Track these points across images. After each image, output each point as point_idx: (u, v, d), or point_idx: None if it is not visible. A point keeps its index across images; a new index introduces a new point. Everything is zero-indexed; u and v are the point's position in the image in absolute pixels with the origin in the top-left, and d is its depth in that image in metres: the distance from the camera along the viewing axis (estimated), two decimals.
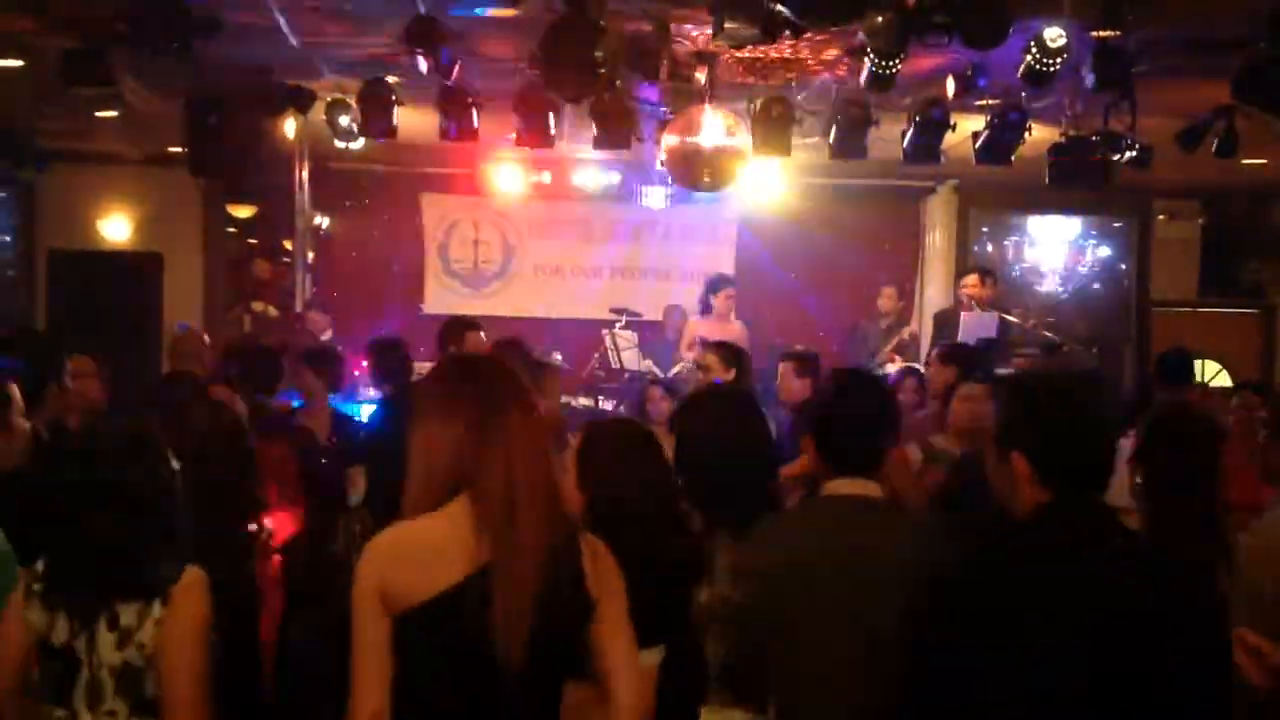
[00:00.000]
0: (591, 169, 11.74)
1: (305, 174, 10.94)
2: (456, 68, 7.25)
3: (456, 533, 2.41)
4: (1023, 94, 7.76)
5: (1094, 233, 13.40)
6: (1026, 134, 8.19)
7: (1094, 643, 2.26)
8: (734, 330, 9.64)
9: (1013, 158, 8.47)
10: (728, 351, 6.27)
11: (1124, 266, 13.40)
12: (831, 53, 7.49)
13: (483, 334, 6.96)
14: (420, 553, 2.41)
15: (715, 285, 10.02)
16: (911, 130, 8.36)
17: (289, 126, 9.30)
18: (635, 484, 2.87)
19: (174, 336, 7.12)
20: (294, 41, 7.33)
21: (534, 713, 2.46)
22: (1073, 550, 2.36)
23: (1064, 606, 2.29)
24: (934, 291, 12.77)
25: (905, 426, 7.08)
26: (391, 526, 2.48)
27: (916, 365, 8.15)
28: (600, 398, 9.84)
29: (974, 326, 9.16)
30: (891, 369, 9.55)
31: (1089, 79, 6.78)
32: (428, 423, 2.52)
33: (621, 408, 9.23)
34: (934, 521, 3.49)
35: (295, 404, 6.22)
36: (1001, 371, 8.43)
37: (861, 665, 2.85)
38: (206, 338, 7.24)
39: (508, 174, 11.80)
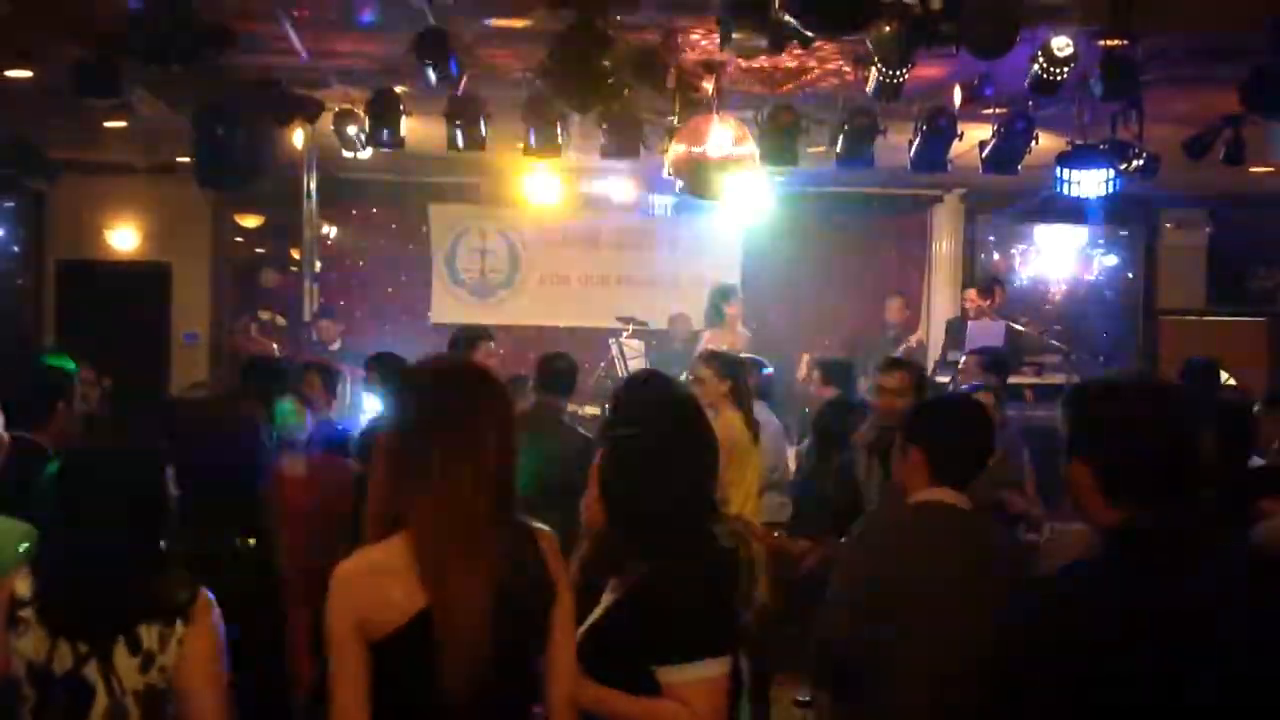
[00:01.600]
0: (599, 178, 11.75)
1: (313, 184, 10.96)
2: (464, 78, 7.27)
3: (403, 566, 2.42)
4: (1030, 103, 7.76)
5: (1101, 241, 13.40)
6: (1033, 143, 8.19)
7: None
8: (741, 339, 9.66)
9: (1020, 166, 8.48)
10: (722, 362, 6.25)
11: (1131, 275, 13.39)
12: (839, 62, 7.50)
13: (493, 344, 6.99)
14: (383, 582, 2.43)
15: (727, 294, 10.06)
16: (918, 139, 8.36)
17: (297, 136, 9.32)
18: (666, 500, 2.82)
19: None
20: (302, 52, 7.36)
21: None
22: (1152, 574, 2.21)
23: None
24: (941, 300, 12.77)
25: None
26: (355, 554, 2.50)
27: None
28: (607, 406, 9.83)
29: (981, 335, 9.17)
30: None
31: (1096, 88, 6.78)
32: (374, 455, 2.60)
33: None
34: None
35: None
36: (1011, 380, 8.44)
37: (950, 665, 3.02)
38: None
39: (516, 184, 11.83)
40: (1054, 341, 10.81)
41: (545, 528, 2.62)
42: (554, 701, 2.58)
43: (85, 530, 2.79)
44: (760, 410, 6.37)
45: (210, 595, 2.80)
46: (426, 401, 2.55)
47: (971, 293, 9.96)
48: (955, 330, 9.99)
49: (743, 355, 7.47)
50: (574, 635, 2.63)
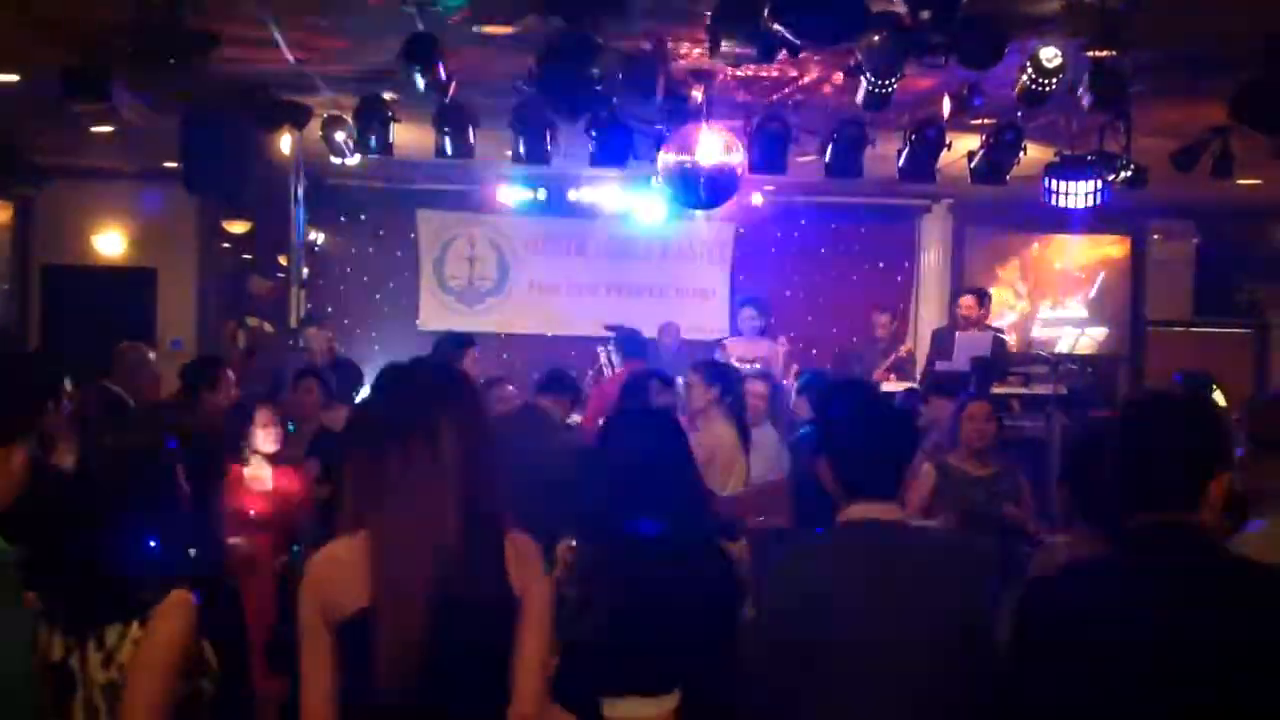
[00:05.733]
0: (588, 186, 11.74)
1: (301, 190, 10.92)
2: (453, 84, 7.25)
3: (360, 561, 2.47)
4: (1018, 113, 7.77)
5: (1088, 252, 13.42)
6: (1022, 153, 8.21)
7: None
8: (761, 348, 9.71)
9: (1008, 177, 8.49)
10: (709, 370, 6.25)
11: (1118, 286, 13.41)
12: (828, 72, 7.50)
13: (476, 350, 6.98)
14: (341, 572, 2.49)
15: (739, 305, 10.21)
16: (907, 149, 8.37)
17: (285, 142, 9.30)
18: (655, 511, 2.76)
19: (115, 351, 7.10)
20: (291, 57, 7.33)
21: None
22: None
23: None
24: (929, 310, 12.79)
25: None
26: (325, 546, 2.58)
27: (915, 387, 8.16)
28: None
29: (969, 346, 9.17)
30: (887, 387, 9.55)
31: (1085, 99, 6.79)
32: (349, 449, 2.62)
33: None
34: (962, 543, 3.38)
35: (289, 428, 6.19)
36: (998, 391, 8.46)
37: (891, 689, 2.80)
38: (153, 355, 7.24)
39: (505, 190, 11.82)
40: (1041, 352, 10.82)
41: (522, 535, 2.56)
42: (516, 707, 2.50)
43: (75, 530, 2.86)
44: (766, 427, 6.42)
45: (189, 599, 2.79)
46: (389, 404, 2.58)
47: (969, 299, 9.94)
48: (942, 340, 9.99)
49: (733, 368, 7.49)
50: (540, 653, 2.52)
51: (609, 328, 10.99)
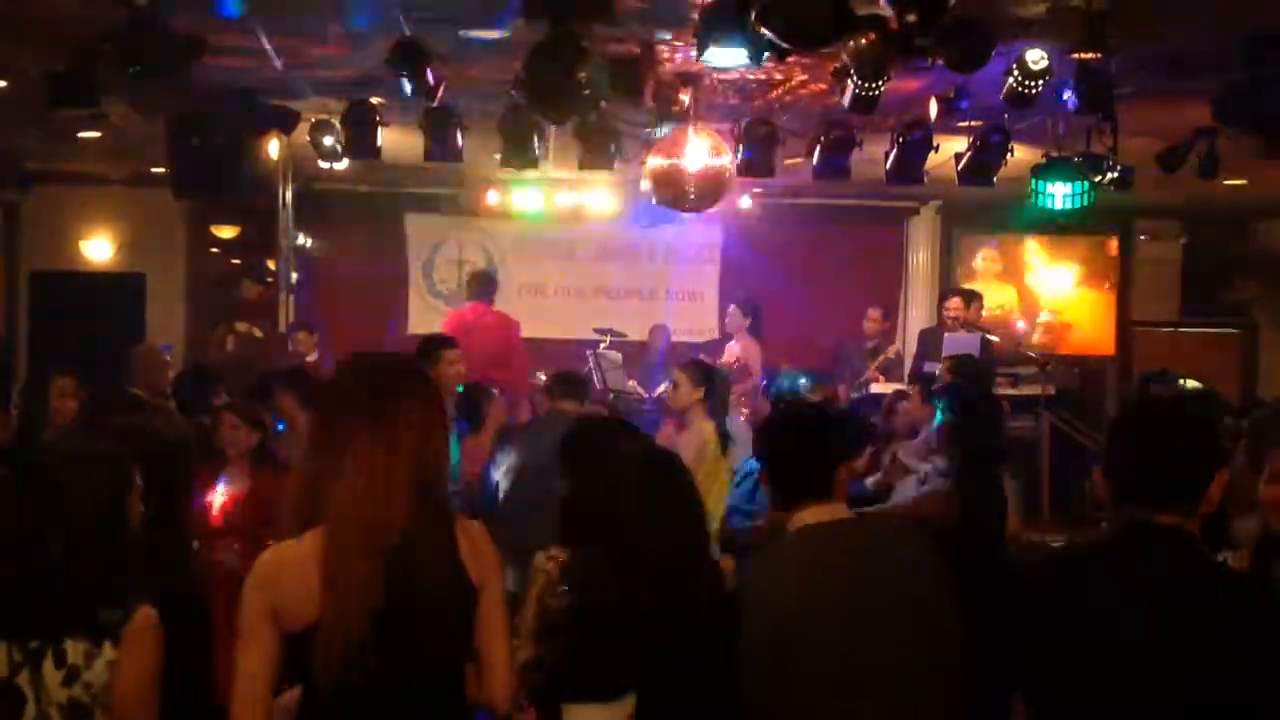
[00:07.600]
0: (576, 189, 11.74)
1: (289, 194, 10.92)
2: (441, 89, 7.25)
3: (312, 566, 2.44)
4: (1005, 115, 7.80)
5: (1075, 253, 13.46)
6: (1009, 155, 8.23)
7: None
8: (735, 349, 9.75)
9: (995, 179, 8.52)
10: (696, 371, 6.24)
11: (1105, 287, 13.45)
12: (815, 75, 7.52)
13: (457, 352, 6.95)
14: (293, 578, 2.46)
15: (739, 305, 10.26)
16: (894, 151, 8.40)
17: (273, 147, 9.29)
18: (634, 538, 2.78)
19: (133, 352, 7.10)
20: (278, 62, 7.33)
21: None
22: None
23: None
24: (917, 311, 12.82)
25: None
26: (273, 547, 2.55)
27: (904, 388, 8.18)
28: None
29: (957, 347, 9.20)
30: (876, 388, 9.58)
31: (1071, 101, 6.82)
32: (304, 445, 2.63)
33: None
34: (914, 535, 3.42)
35: (279, 427, 6.17)
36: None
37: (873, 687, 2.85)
38: (168, 356, 7.24)
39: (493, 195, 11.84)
40: (1029, 353, 10.86)
41: (475, 524, 2.61)
42: (492, 701, 2.56)
43: (25, 540, 2.76)
44: (738, 424, 6.42)
45: (155, 616, 2.74)
46: (348, 392, 2.59)
47: (956, 301, 9.97)
48: (929, 341, 10.02)
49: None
50: (504, 640, 2.58)
51: (598, 330, 11.02)
